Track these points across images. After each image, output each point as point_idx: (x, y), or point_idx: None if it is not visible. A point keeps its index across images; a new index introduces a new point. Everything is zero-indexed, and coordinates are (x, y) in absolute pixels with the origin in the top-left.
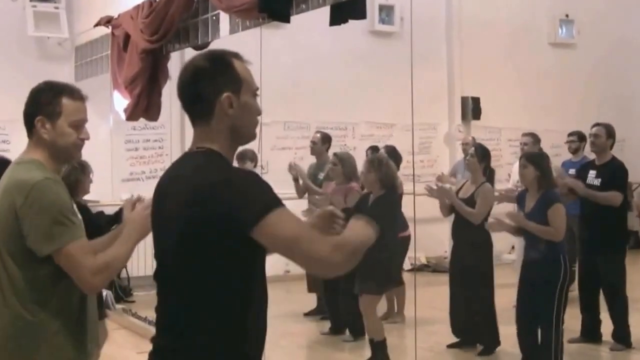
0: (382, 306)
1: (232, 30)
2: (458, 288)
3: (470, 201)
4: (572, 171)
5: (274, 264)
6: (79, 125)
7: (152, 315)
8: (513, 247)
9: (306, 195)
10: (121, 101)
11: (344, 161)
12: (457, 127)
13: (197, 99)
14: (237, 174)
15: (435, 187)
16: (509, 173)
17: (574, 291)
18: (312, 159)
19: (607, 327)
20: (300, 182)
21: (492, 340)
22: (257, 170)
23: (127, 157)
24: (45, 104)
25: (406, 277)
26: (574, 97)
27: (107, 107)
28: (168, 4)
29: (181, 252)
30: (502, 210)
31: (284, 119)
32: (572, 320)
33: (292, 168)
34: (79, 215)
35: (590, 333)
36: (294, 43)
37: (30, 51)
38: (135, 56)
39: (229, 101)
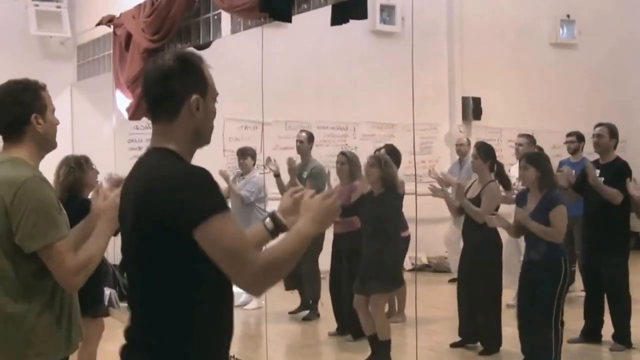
0: None
1: (234, 30)
2: (466, 288)
3: (477, 200)
4: (573, 172)
5: None
6: (53, 112)
7: None
8: None
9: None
10: (123, 100)
11: (351, 160)
12: (457, 127)
13: (165, 97)
14: (187, 173)
15: (439, 187)
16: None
17: (574, 292)
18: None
19: (606, 327)
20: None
21: (494, 340)
22: (259, 169)
23: (130, 157)
24: (34, 100)
25: (407, 276)
26: (575, 98)
27: (109, 106)
28: (170, 4)
29: (134, 249)
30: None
31: (285, 119)
32: (572, 320)
33: (272, 163)
34: (64, 211)
35: (591, 334)
36: (295, 43)
37: (33, 50)
38: (137, 55)
39: (196, 103)
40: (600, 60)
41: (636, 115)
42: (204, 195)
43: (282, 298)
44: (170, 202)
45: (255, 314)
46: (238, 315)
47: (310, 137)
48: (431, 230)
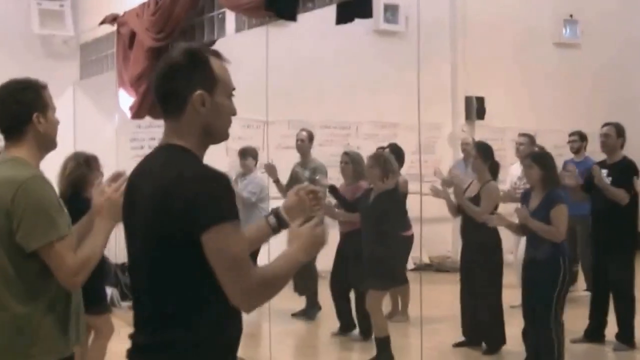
0: (386, 305)
1: (238, 29)
2: (467, 287)
3: (476, 200)
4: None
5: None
6: (54, 112)
7: None
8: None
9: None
10: (127, 99)
11: (355, 160)
12: (460, 127)
13: (170, 94)
14: (205, 176)
15: (440, 188)
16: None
17: (576, 292)
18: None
19: (610, 327)
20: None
21: (497, 340)
22: (261, 169)
23: (133, 156)
24: (34, 100)
25: (410, 276)
26: (578, 98)
27: (112, 105)
28: (174, 2)
29: (147, 247)
30: (504, 210)
31: (288, 118)
32: (574, 320)
33: (270, 168)
34: (65, 210)
35: (594, 333)
36: (297, 42)
37: (36, 49)
38: (141, 54)
39: (201, 99)
40: (604, 60)
41: (639, 115)
42: (217, 201)
43: (284, 298)
44: (183, 204)
45: (256, 313)
46: None
47: (311, 136)
48: (433, 229)
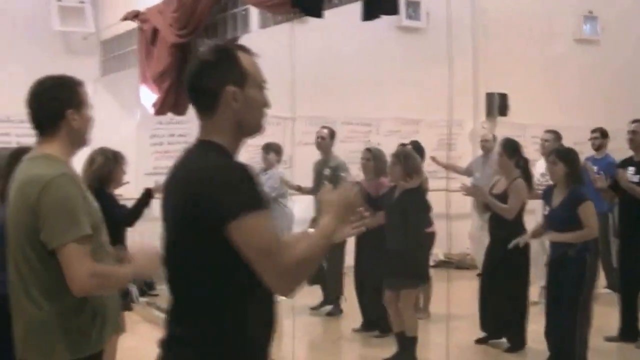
0: None
1: (263, 25)
2: (491, 284)
3: (504, 197)
4: (595, 168)
5: None
6: (89, 109)
7: None
8: None
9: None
10: (149, 96)
11: (377, 156)
12: (481, 123)
13: (202, 92)
14: (227, 168)
15: (469, 185)
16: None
17: (598, 289)
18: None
19: None
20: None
21: (519, 337)
22: (282, 165)
23: (152, 152)
24: (71, 96)
25: (431, 273)
26: (599, 94)
27: (133, 101)
28: None
29: (178, 242)
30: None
31: (309, 114)
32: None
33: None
34: (95, 205)
35: (628, 332)
36: (320, 38)
37: (56, 46)
38: (164, 51)
39: (232, 94)
40: (624, 57)
41: None
42: (241, 191)
43: (302, 293)
44: (207, 196)
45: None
46: None
47: (332, 134)
48: (452, 226)
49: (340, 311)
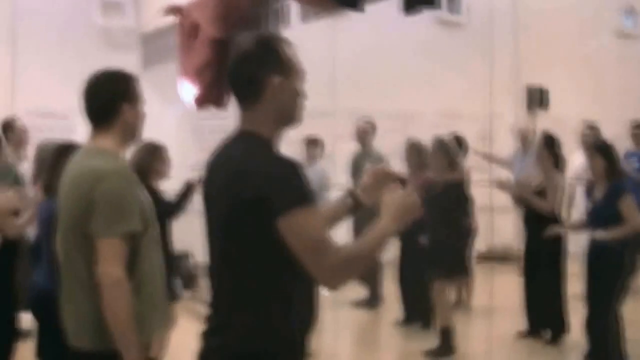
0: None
1: (304, 19)
2: (531, 277)
3: (541, 191)
4: (636, 162)
5: None
6: (143, 105)
7: None
8: None
9: None
10: (190, 90)
11: (419, 150)
12: (521, 117)
13: (247, 82)
14: (277, 162)
15: (505, 179)
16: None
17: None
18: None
19: None
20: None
21: (560, 329)
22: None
23: (194, 146)
24: (125, 90)
25: (473, 266)
26: (638, 88)
27: (173, 96)
28: None
29: (224, 234)
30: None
31: (350, 108)
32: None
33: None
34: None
35: None
36: (360, 32)
37: (97, 40)
38: (205, 45)
39: (277, 85)
40: None
41: None
42: (290, 187)
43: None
44: (256, 192)
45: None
46: None
47: (372, 127)
48: (495, 219)
49: (380, 301)
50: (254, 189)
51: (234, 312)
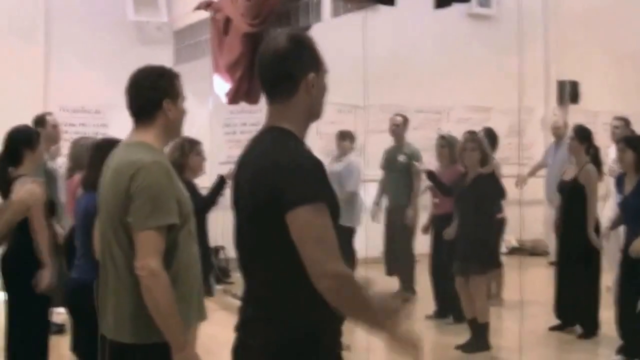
0: None
1: (335, 14)
2: (564, 271)
3: (575, 183)
4: None
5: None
6: (184, 101)
7: None
8: None
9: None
10: (222, 85)
11: (451, 144)
12: (552, 110)
13: (283, 78)
14: (297, 158)
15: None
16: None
17: None
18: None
19: None
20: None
21: (593, 324)
22: (355, 153)
23: (226, 141)
24: (168, 87)
25: (504, 260)
26: None
27: (206, 91)
28: None
29: (252, 227)
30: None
31: (381, 102)
32: None
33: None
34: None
35: None
36: (391, 26)
37: (130, 36)
38: (237, 40)
39: (312, 81)
40: None
41: None
42: (305, 183)
43: (378, 281)
44: (274, 185)
45: None
46: None
47: (405, 121)
48: (525, 212)
49: (414, 292)
50: (274, 182)
51: (268, 304)
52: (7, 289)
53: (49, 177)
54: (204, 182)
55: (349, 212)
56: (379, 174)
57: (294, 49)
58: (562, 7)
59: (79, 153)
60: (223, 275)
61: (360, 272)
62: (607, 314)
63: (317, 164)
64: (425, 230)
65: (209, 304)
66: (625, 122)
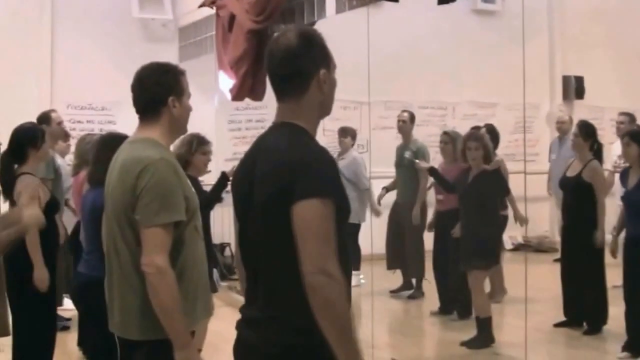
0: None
1: (339, 10)
2: (569, 267)
3: (579, 180)
4: None
5: (376, 242)
6: (189, 98)
7: None
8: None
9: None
10: (226, 81)
11: (455, 140)
12: (558, 106)
13: (295, 75)
14: (310, 152)
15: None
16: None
17: None
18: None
19: None
20: None
21: (599, 320)
22: (357, 149)
23: (230, 137)
24: (173, 84)
25: (509, 256)
26: None
27: (211, 87)
28: None
29: (258, 224)
30: None
31: (385, 99)
32: None
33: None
34: (194, 198)
35: None
36: (395, 22)
37: (135, 33)
38: (241, 37)
39: (324, 77)
40: None
41: None
42: (314, 177)
43: (382, 277)
44: (287, 178)
45: (354, 292)
46: None
47: (412, 117)
48: (530, 209)
49: (422, 294)
50: (286, 177)
51: (270, 303)
52: (12, 285)
53: (54, 174)
54: (208, 179)
55: (353, 208)
56: (383, 170)
57: (305, 46)
58: (567, 2)
59: (85, 150)
60: (228, 272)
61: (366, 269)
62: (613, 310)
63: (330, 161)
64: (431, 227)
65: (214, 300)
66: (631, 117)
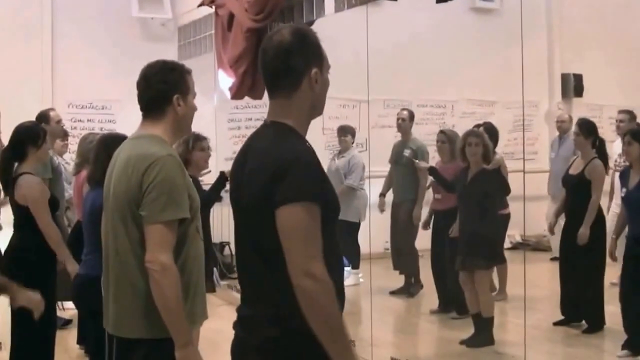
0: None
1: (338, 9)
2: (568, 266)
3: (581, 178)
4: None
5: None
6: (194, 97)
7: None
8: None
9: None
10: (226, 80)
11: (451, 139)
12: (557, 104)
13: (287, 73)
14: (300, 156)
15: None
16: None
17: None
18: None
19: None
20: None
21: (598, 318)
22: (357, 148)
23: (230, 136)
24: (178, 82)
25: (507, 255)
26: None
27: (211, 86)
28: None
29: (249, 224)
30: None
31: (384, 97)
32: None
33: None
34: (196, 197)
35: None
36: (394, 21)
37: (135, 32)
38: (240, 35)
39: (316, 76)
40: None
41: None
42: (300, 181)
43: (381, 276)
44: (271, 179)
45: (353, 291)
46: None
47: (412, 116)
48: (529, 208)
49: (421, 287)
50: (270, 179)
51: (266, 302)
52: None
53: (54, 173)
54: (208, 179)
55: (353, 207)
56: (383, 169)
57: (298, 44)
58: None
59: (87, 149)
60: (228, 271)
61: (364, 267)
62: (613, 308)
63: (314, 163)
64: (425, 226)
65: (214, 299)
66: (631, 115)
